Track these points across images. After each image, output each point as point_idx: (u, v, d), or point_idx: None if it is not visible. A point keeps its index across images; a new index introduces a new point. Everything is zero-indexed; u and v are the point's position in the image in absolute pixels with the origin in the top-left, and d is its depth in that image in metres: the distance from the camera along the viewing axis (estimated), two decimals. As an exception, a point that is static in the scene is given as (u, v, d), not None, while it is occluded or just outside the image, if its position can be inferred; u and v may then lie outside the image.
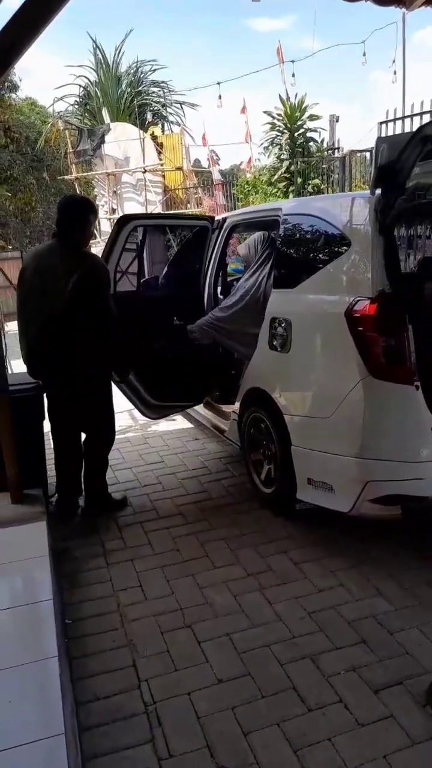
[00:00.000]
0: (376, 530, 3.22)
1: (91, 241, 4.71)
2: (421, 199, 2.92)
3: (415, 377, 2.73)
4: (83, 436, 3.61)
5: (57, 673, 2.03)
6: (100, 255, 3.77)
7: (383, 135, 8.78)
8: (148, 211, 15.76)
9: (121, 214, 16.93)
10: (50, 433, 3.59)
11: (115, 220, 3.78)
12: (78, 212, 3.33)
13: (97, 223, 15.77)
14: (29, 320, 3.30)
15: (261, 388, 3.48)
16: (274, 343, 3.32)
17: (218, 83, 12.14)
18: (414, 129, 2.85)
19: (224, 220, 4.48)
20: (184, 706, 2.11)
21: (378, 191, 2.82)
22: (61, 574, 2.95)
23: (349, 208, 3.11)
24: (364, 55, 10.88)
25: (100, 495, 3.64)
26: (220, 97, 12.54)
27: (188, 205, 16.52)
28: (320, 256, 3.19)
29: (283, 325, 3.25)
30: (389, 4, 4.31)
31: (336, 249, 3.04)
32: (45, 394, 3.49)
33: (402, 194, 2.77)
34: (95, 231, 14.44)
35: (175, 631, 2.52)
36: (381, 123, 9.00)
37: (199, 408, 4.64)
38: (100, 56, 19.24)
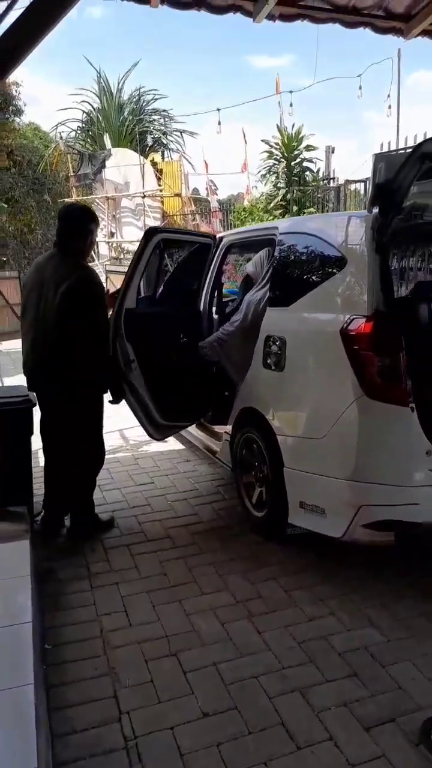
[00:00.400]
0: (369, 557, 3.12)
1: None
2: (417, 220, 2.89)
3: (410, 398, 2.67)
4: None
5: (32, 703, 1.91)
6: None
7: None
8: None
9: (120, 238, 17.09)
10: (42, 448, 3.50)
11: (144, 233, 3.76)
12: (78, 220, 3.29)
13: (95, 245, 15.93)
14: (26, 331, 3.27)
15: (254, 407, 3.41)
16: (269, 361, 3.26)
17: (218, 109, 12.27)
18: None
19: (220, 239, 4.45)
20: (167, 742, 2.00)
21: (375, 210, 2.79)
22: (42, 596, 2.84)
23: (345, 227, 3.08)
24: (360, 88, 11.02)
25: (86, 515, 3.53)
26: (219, 123, 12.69)
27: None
28: (316, 274, 3.15)
29: (277, 343, 3.19)
30: (387, 32, 4.38)
31: (332, 267, 3.00)
32: (40, 408, 3.39)
33: (399, 213, 2.74)
34: (93, 253, 14.50)
35: (159, 659, 2.41)
36: (376, 155, 9.09)
37: (192, 429, 4.56)
38: (104, 84, 19.56)
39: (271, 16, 4.13)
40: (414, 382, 2.69)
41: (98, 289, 3.31)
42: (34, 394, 3.38)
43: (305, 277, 3.28)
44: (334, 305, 2.93)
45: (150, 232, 3.84)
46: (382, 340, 2.69)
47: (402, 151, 8.67)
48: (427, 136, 7.54)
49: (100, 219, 3.39)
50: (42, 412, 3.40)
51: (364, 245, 2.84)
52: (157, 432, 4.02)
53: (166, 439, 5.25)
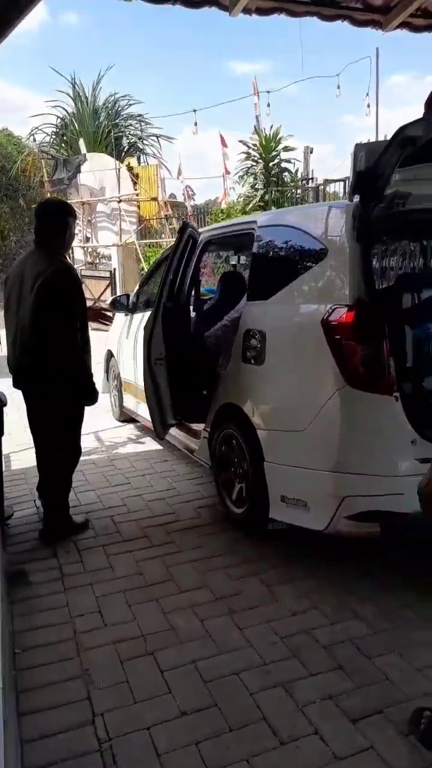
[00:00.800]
0: (353, 550, 3.05)
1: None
2: (399, 208, 2.85)
3: (395, 387, 2.61)
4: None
5: (0, 708, 1.80)
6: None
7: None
8: (125, 241, 15.75)
9: (95, 243, 16.94)
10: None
11: (178, 228, 3.70)
12: (55, 216, 3.25)
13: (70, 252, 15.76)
14: (8, 328, 3.23)
15: (233, 403, 3.33)
16: (248, 355, 3.19)
17: (194, 110, 12.25)
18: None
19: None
20: (143, 743, 1.90)
21: (356, 198, 2.74)
22: (13, 600, 2.71)
23: (326, 218, 3.03)
24: (338, 87, 11.09)
25: (60, 517, 3.41)
26: (195, 123, 12.65)
27: (162, 235, 16.56)
28: (296, 266, 3.09)
29: (257, 337, 3.13)
30: (365, 25, 4.36)
31: (312, 258, 2.95)
32: (26, 405, 3.33)
33: (380, 202, 2.69)
34: (68, 257, 14.35)
35: (135, 659, 2.30)
36: (356, 144, 9.12)
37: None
38: (79, 89, 19.48)
39: (247, 10, 4.07)
40: (397, 371, 2.64)
41: (74, 283, 3.22)
42: (4, 393, 3.28)
43: (285, 269, 3.22)
44: (315, 296, 2.88)
45: (183, 228, 3.77)
46: (364, 329, 2.64)
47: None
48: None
49: (75, 224, 3.36)
50: (27, 409, 3.33)
51: (344, 235, 2.79)
52: (164, 430, 3.93)
53: (142, 440, 5.21)
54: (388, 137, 2.60)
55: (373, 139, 8.84)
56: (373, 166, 2.58)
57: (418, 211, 2.88)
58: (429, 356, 2.99)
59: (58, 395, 3.21)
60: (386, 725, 1.93)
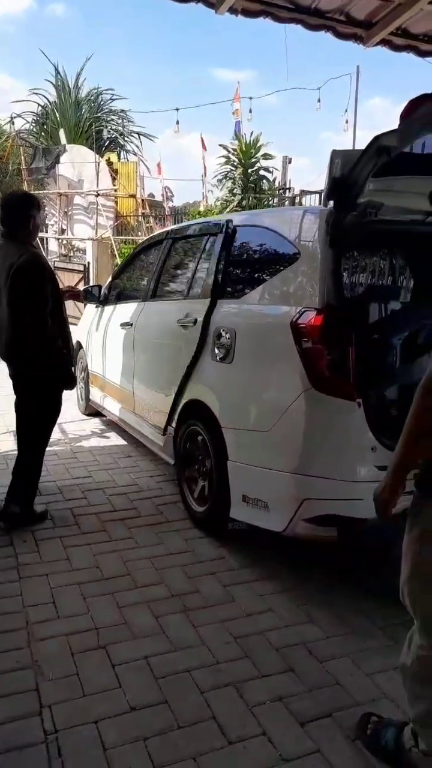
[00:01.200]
0: (311, 555, 3.07)
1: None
2: (371, 217, 2.88)
3: (358, 393, 2.64)
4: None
5: None
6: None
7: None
8: (100, 235, 15.61)
9: (70, 235, 16.76)
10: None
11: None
12: (18, 207, 3.30)
13: (43, 240, 15.55)
14: None
15: (200, 400, 3.33)
16: (216, 353, 3.19)
17: (177, 109, 12.27)
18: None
19: (167, 233, 4.37)
20: (90, 736, 1.87)
21: (330, 204, 2.76)
22: (-35, 588, 2.66)
23: (300, 221, 3.04)
24: (319, 101, 11.20)
25: (23, 506, 3.38)
26: (177, 122, 12.67)
27: (139, 233, 16.49)
28: (269, 267, 3.11)
29: (227, 335, 3.12)
30: (348, 38, 4.42)
31: (285, 261, 2.97)
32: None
33: (354, 209, 2.72)
34: (42, 248, 14.18)
35: (87, 652, 2.27)
36: (333, 150, 9.20)
37: (133, 422, 4.44)
38: (61, 78, 19.27)
39: (234, 10, 4.09)
40: (361, 378, 2.66)
41: (42, 270, 3.25)
42: None
43: (258, 269, 3.24)
44: (286, 298, 2.89)
45: None
46: (332, 333, 2.66)
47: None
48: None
49: (51, 215, 3.52)
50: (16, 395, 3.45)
51: (317, 240, 2.81)
52: None
53: (107, 434, 5.16)
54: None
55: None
56: (348, 174, 2.60)
57: (390, 222, 2.92)
58: (392, 366, 3.03)
59: (38, 381, 3.32)
60: (334, 729, 1.94)
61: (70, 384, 3.48)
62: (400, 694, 2.07)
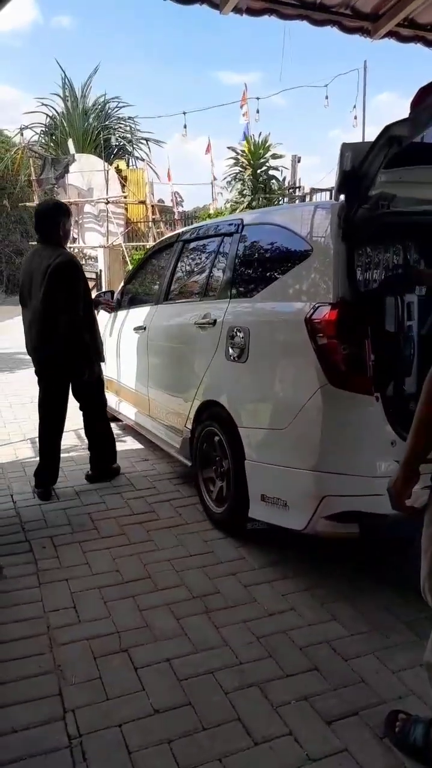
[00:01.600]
0: (332, 552, 3.04)
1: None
2: (384, 209, 2.85)
3: (375, 387, 2.60)
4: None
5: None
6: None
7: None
8: (111, 243, 15.68)
9: (81, 243, 16.87)
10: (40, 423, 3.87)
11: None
12: (50, 216, 3.74)
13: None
14: (24, 316, 3.79)
15: (215, 400, 3.31)
16: (231, 352, 3.17)
17: (184, 113, 12.32)
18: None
19: (177, 236, 4.36)
20: (114, 740, 1.85)
21: (341, 198, 2.74)
22: (-14, 594, 2.66)
23: (311, 217, 3.02)
24: (327, 98, 11.16)
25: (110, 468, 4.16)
26: (185, 126, 12.70)
27: (150, 239, 16.55)
28: (281, 264, 3.08)
29: (240, 334, 3.11)
30: (354, 32, 4.39)
31: (297, 257, 2.94)
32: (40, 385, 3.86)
33: (365, 202, 2.69)
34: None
35: (109, 656, 2.26)
36: (343, 143, 9.14)
37: (149, 425, 4.43)
38: (69, 88, 19.42)
39: (238, 10, 4.08)
40: (379, 372, 2.63)
41: (77, 269, 3.70)
42: None
43: (270, 267, 3.22)
44: (299, 294, 2.87)
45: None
46: (347, 328, 2.63)
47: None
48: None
49: (69, 221, 3.89)
50: (43, 389, 3.85)
51: (329, 234, 2.78)
52: None
53: (123, 439, 5.16)
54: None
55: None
56: (359, 166, 2.58)
57: (402, 213, 2.88)
58: (410, 359, 2.99)
59: (74, 368, 3.75)
60: (362, 727, 1.91)
61: (91, 372, 3.82)
62: (426, 690, 2.04)
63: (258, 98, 11.90)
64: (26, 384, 7.04)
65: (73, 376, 3.81)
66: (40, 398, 3.87)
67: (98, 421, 4.13)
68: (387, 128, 2.44)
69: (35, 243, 3.95)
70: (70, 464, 4.45)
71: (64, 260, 3.59)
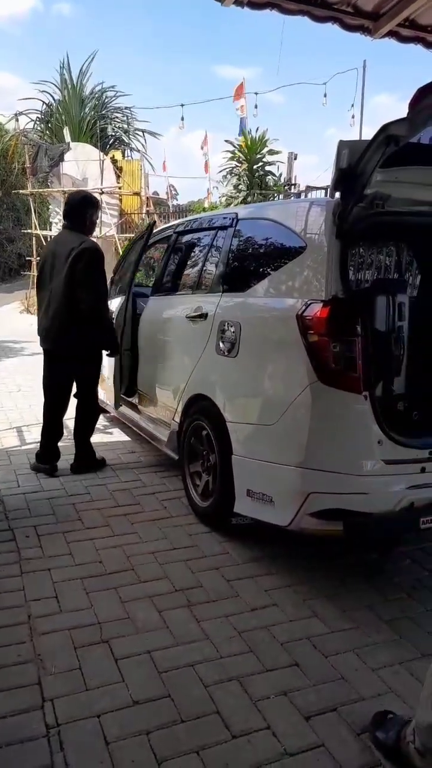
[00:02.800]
0: (316, 549, 3.05)
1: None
2: (378, 209, 2.85)
3: (364, 386, 2.61)
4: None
5: None
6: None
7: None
8: (104, 233, 15.59)
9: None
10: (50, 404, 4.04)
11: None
12: (78, 206, 3.98)
13: (46, 239, 15.50)
14: (41, 299, 3.98)
15: (204, 394, 3.30)
16: (221, 347, 3.16)
17: (182, 105, 12.27)
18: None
19: (171, 227, 4.34)
20: (92, 730, 1.85)
21: (337, 195, 2.73)
22: (-33, 582, 2.65)
23: (306, 214, 3.01)
24: (325, 96, 11.15)
25: (90, 452, 4.17)
26: (182, 118, 12.65)
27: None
28: (274, 260, 3.08)
29: (232, 329, 3.10)
30: (355, 30, 4.37)
31: (291, 253, 2.93)
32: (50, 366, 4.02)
33: (361, 200, 2.69)
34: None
35: (89, 646, 2.25)
36: (340, 141, 9.12)
37: (137, 418, 4.42)
38: (66, 76, 19.24)
39: (239, 3, 4.05)
40: (368, 371, 2.63)
41: (101, 256, 3.87)
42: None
43: (264, 263, 3.21)
44: (292, 290, 2.86)
45: None
46: (338, 325, 2.62)
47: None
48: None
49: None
50: (51, 370, 4.01)
51: (324, 232, 2.78)
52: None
53: (110, 430, 5.14)
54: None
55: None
56: (356, 164, 2.57)
57: (397, 213, 2.89)
58: (399, 359, 3.00)
59: (87, 351, 3.95)
60: (340, 724, 1.92)
61: (115, 350, 4.20)
62: (406, 689, 2.06)
63: (256, 93, 11.89)
64: (12, 372, 7.03)
65: (83, 359, 3.97)
66: (46, 378, 4.05)
67: (91, 411, 4.20)
68: (384, 127, 2.44)
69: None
70: (56, 454, 4.42)
71: (90, 246, 3.82)
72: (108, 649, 2.24)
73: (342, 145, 2.67)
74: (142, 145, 20.97)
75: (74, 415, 4.17)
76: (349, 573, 2.88)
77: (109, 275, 5.28)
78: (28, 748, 1.77)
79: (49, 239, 16.08)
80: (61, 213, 4.03)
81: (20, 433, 5.03)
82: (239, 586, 2.71)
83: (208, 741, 1.82)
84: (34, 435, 4.93)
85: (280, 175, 12.54)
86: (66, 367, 3.98)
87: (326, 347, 2.60)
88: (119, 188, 16.49)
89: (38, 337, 4.04)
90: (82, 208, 3.97)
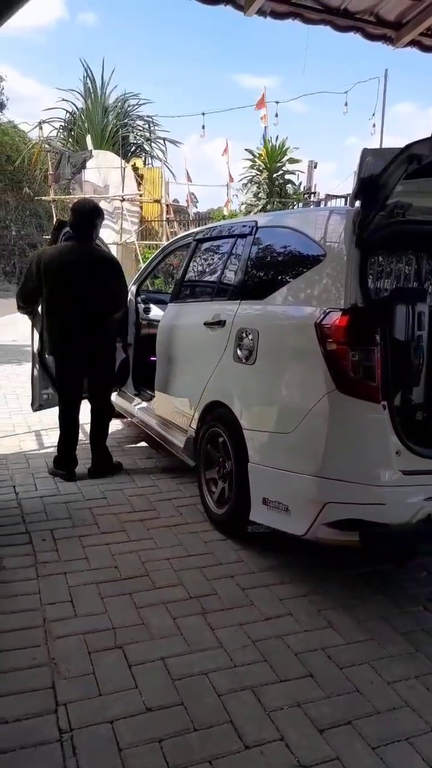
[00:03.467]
0: (332, 559, 3.03)
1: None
2: (399, 218, 2.84)
3: (383, 396, 2.59)
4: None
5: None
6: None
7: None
8: (125, 240, 15.72)
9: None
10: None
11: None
12: (88, 216, 4.02)
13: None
14: (53, 308, 3.94)
15: (221, 401, 3.31)
16: (239, 354, 3.17)
17: (203, 113, 12.35)
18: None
19: (191, 235, 4.36)
20: (105, 736, 1.85)
21: (357, 204, 2.73)
22: (-17, 584, 2.67)
23: (326, 221, 3.01)
24: (346, 104, 11.15)
25: (107, 457, 4.22)
26: (203, 127, 12.73)
27: (163, 238, 16.57)
28: (294, 268, 3.07)
29: (250, 336, 3.10)
30: (377, 39, 4.38)
31: (310, 261, 2.93)
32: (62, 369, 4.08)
33: (382, 210, 2.68)
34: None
35: (103, 651, 2.25)
36: (364, 149, 9.09)
37: (154, 423, 4.43)
38: (90, 84, 19.49)
39: (262, 12, 4.09)
40: (387, 380, 2.62)
41: (118, 263, 4.13)
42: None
43: (282, 270, 3.21)
44: (311, 298, 2.86)
45: None
46: (358, 334, 2.61)
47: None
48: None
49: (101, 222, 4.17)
50: (69, 376, 4.07)
51: (343, 240, 2.77)
52: None
53: (129, 436, 5.16)
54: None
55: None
56: (378, 175, 2.57)
57: (418, 222, 2.87)
58: (419, 368, 2.98)
59: (109, 350, 4.16)
60: (354, 736, 1.90)
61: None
62: (421, 703, 2.03)
63: (277, 102, 11.92)
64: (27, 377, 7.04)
65: (99, 363, 4.10)
66: (64, 382, 4.10)
67: (106, 416, 4.29)
68: (408, 146, 2.44)
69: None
70: (73, 459, 4.45)
71: (110, 256, 4.12)
72: (122, 655, 2.24)
73: (366, 153, 2.67)
74: (163, 153, 21.15)
75: (90, 420, 4.21)
76: (365, 584, 2.86)
77: (129, 281, 5.34)
78: (41, 752, 1.77)
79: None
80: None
81: (38, 436, 5.07)
82: (254, 595, 2.70)
83: (220, 750, 1.81)
84: (52, 439, 4.97)
85: (300, 183, 12.55)
86: (79, 371, 4.06)
87: (345, 356, 2.59)
88: (140, 195, 16.61)
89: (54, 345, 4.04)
90: (91, 219, 4.01)
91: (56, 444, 4.18)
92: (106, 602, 2.59)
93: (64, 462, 4.12)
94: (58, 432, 4.15)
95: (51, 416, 5.58)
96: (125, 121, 20.03)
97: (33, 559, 2.93)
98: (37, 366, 4.32)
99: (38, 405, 4.46)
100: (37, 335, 4.24)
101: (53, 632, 2.36)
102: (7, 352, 9.85)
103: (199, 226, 15.88)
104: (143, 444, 4.97)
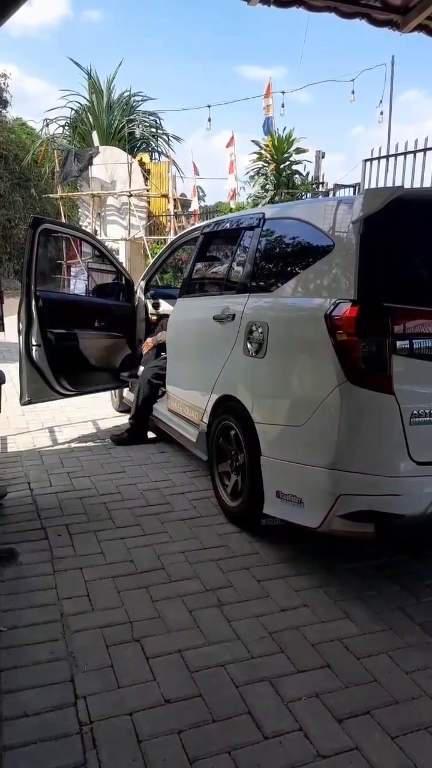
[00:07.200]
0: (347, 550, 3.03)
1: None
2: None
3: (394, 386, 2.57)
4: None
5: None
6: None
7: (368, 172, 8.86)
8: (133, 236, 15.74)
9: (103, 236, 16.93)
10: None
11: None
12: None
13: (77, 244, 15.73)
14: None
15: (232, 395, 3.31)
16: (249, 347, 3.16)
17: (208, 106, 12.27)
18: (397, 168, 2.76)
19: (198, 229, 4.35)
20: (125, 728, 1.86)
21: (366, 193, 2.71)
22: (1, 579, 2.69)
23: (334, 212, 2.99)
24: (353, 92, 11.05)
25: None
26: (209, 120, 12.67)
27: (170, 232, 16.55)
28: (302, 259, 3.06)
29: (260, 329, 3.09)
30: (383, 25, 4.33)
31: (319, 252, 2.92)
32: None
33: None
34: (76, 249, 14.34)
35: (121, 645, 2.27)
36: (366, 160, 9.05)
37: (166, 418, 4.44)
38: (95, 81, 19.47)
39: (266, 1, 4.06)
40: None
41: None
42: (3, 372, 3.57)
43: (291, 262, 3.20)
44: (320, 290, 2.84)
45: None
46: (368, 325, 2.60)
47: (390, 164, 8.67)
48: (419, 144, 7.46)
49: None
50: None
51: (352, 230, 2.76)
52: None
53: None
54: (400, 148, 2.57)
55: (383, 150, 8.74)
56: None
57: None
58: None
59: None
60: (373, 726, 1.90)
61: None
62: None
63: (283, 92, 11.84)
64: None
65: None
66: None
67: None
68: None
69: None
70: (87, 454, 4.48)
71: None
72: (139, 648, 2.25)
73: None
74: (169, 148, 21.10)
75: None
76: (380, 574, 2.85)
77: (137, 278, 5.35)
78: (61, 744, 1.79)
79: (79, 243, 16.32)
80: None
81: (52, 433, 5.10)
82: (269, 587, 2.71)
83: (239, 741, 1.81)
84: (65, 435, 5.01)
85: (308, 173, 12.46)
86: None
87: (355, 347, 2.58)
88: (147, 191, 16.60)
89: None
90: None
91: (69, 439, 4.32)
92: (122, 596, 2.61)
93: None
94: (72, 426, 4.36)
95: (63, 413, 5.63)
96: (131, 116, 19.98)
97: (49, 555, 2.95)
98: (26, 360, 4.29)
99: (27, 399, 4.37)
100: (24, 329, 4.24)
101: (71, 626, 2.38)
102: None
103: (205, 219, 15.86)
104: (156, 438, 4.98)
